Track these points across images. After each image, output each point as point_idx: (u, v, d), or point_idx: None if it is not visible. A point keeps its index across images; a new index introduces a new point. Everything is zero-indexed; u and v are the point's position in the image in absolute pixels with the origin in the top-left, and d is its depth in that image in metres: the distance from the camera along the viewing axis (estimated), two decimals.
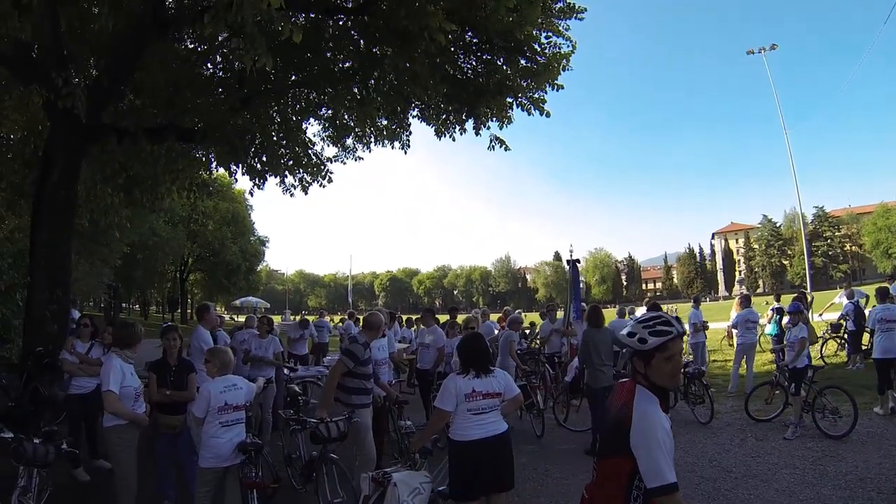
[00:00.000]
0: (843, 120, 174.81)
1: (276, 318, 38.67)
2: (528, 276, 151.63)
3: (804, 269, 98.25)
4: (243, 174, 12.60)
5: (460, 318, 12.62)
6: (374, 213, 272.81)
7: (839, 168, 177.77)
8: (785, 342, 8.90)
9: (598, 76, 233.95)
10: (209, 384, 4.97)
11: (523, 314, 25.30)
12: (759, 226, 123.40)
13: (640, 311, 15.54)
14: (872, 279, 73.51)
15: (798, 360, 8.26)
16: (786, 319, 12.46)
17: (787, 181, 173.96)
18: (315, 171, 12.53)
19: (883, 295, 9.68)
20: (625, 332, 2.49)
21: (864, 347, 12.70)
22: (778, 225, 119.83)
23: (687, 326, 13.95)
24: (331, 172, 12.53)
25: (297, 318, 15.36)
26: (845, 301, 14.63)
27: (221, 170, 13.05)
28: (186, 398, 5.72)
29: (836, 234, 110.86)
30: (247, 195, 49.85)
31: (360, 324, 10.00)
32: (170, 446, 5.81)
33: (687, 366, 9.78)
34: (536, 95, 10.30)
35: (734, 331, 12.63)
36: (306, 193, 12.66)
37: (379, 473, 4.35)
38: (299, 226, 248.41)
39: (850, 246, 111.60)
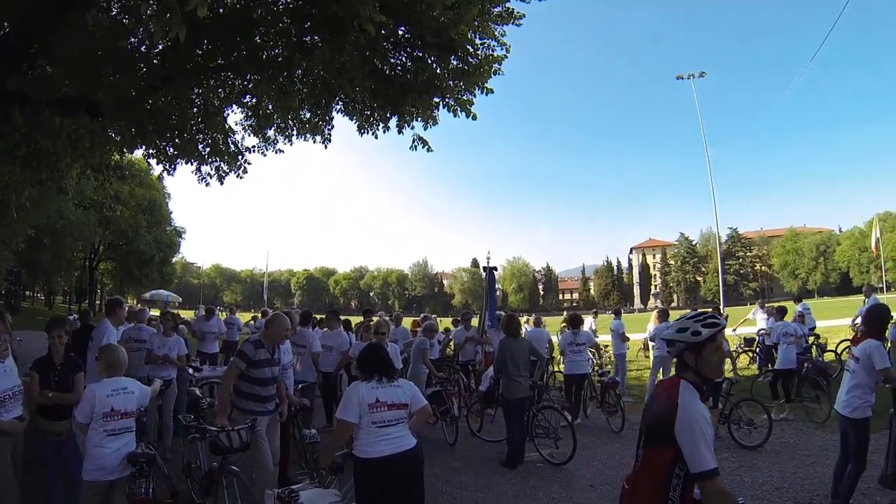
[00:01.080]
0: (758, 148, 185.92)
1: (189, 314, 37.29)
2: (444, 282, 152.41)
3: (717, 286, 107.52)
4: (148, 157, 11.82)
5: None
6: (293, 210, 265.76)
7: (753, 193, 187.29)
8: None
9: (526, 88, 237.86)
10: (94, 386, 4.49)
11: (438, 319, 25.13)
12: (676, 243, 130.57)
13: (531, 321, 15.37)
14: (780, 297, 78.99)
15: None
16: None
17: (704, 202, 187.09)
18: (231, 160, 11.85)
19: (782, 313, 11.63)
20: (671, 330, 2.78)
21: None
22: (694, 243, 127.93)
23: (609, 338, 14.20)
24: (248, 163, 11.95)
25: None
26: (759, 316, 15.26)
27: (139, 153, 12.21)
28: (71, 401, 5.05)
29: (748, 254, 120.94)
30: (164, 183, 47.91)
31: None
32: (55, 454, 5.14)
33: (603, 375, 10.50)
34: (465, 97, 10.11)
35: (651, 343, 12.85)
36: (222, 183, 11.91)
37: (285, 492, 3.96)
38: (218, 218, 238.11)
39: (760, 266, 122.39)
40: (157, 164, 11.65)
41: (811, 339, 13.51)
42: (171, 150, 11.34)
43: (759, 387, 11.72)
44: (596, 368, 12.26)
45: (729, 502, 2.48)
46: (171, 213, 54.05)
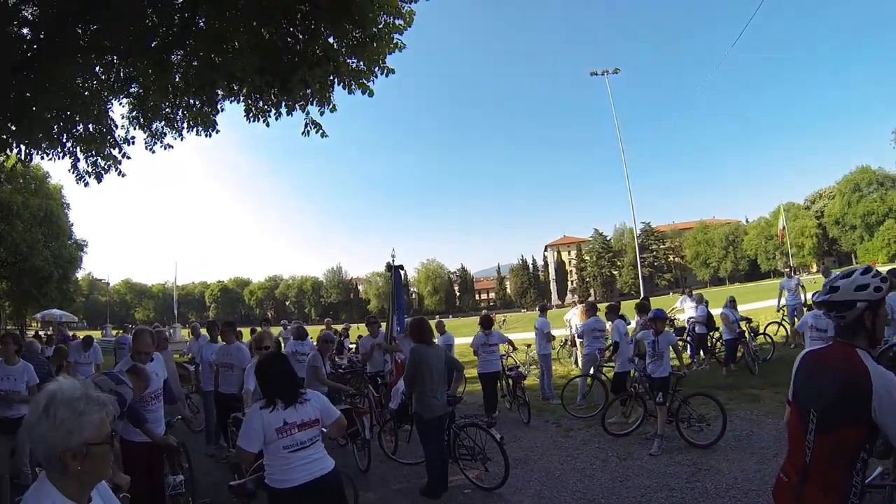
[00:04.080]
0: (668, 144, 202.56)
1: (97, 334, 34.09)
2: (360, 287, 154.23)
3: (633, 279, 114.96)
4: None
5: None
6: (203, 221, 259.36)
7: (664, 188, 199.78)
8: (647, 350, 8.30)
9: (436, 86, 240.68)
10: None
11: (354, 326, 23.74)
12: (591, 239, 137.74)
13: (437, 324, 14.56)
14: (693, 286, 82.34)
15: (661, 368, 7.94)
16: (631, 324, 12.43)
17: (617, 198, 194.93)
18: (107, 155, 10.89)
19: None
20: (852, 287, 2.44)
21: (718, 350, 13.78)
22: (608, 238, 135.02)
23: (533, 335, 13.38)
24: (127, 157, 10.91)
25: (117, 332, 12.29)
26: (688, 304, 14.94)
27: (36, 159, 10.89)
28: None
29: (661, 246, 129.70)
30: (64, 192, 45.39)
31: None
32: None
33: (511, 370, 10.91)
34: (361, 67, 9.30)
35: (579, 340, 12.20)
36: (99, 181, 10.94)
37: None
38: (127, 232, 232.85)
39: (674, 257, 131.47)
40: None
41: (743, 324, 13.24)
42: (19, 137, 10.20)
43: (699, 376, 11.25)
44: (507, 365, 12.06)
45: None
46: (71, 224, 50.50)
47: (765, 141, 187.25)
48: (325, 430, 3.97)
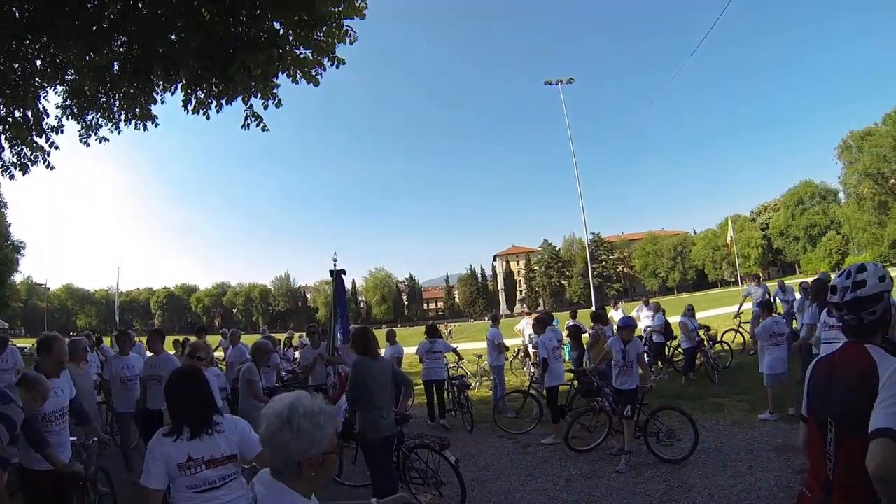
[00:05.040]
0: (619, 155, 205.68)
1: (30, 342, 32.07)
2: (308, 295, 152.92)
3: (581, 289, 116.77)
4: None
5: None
6: (149, 225, 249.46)
7: (612, 199, 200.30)
8: (616, 360, 7.85)
9: (391, 98, 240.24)
10: None
11: (297, 335, 22.84)
12: (540, 249, 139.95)
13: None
14: (642, 296, 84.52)
15: (630, 380, 7.53)
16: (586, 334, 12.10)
17: (565, 208, 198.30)
18: (34, 145, 10.12)
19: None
20: (876, 279, 2.32)
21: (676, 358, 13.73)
22: (557, 248, 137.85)
23: (484, 345, 12.87)
24: (55, 147, 10.20)
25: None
26: (644, 314, 14.68)
27: None
28: None
29: (611, 257, 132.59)
30: (1, 190, 43.95)
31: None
32: None
33: (455, 379, 11.47)
34: (307, 56, 8.71)
35: (533, 350, 11.97)
36: (24, 173, 10.31)
37: None
38: (69, 235, 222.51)
39: (623, 267, 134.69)
40: None
41: (701, 332, 13.01)
42: None
43: (659, 386, 10.89)
44: (454, 375, 12.31)
45: None
46: (8, 225, 49.25)
47: (712, 154, 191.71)
48: (246, 465, 3.34)
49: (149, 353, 8.32)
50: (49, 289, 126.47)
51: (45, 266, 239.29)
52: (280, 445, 1.91)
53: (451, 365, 13.17)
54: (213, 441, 3.19)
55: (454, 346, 13.58)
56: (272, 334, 13.61)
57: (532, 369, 12.89)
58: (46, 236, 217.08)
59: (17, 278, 59.42)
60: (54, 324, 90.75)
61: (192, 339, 10.35)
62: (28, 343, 28.71)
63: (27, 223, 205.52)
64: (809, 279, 12.83)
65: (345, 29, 8.32)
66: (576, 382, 9.97)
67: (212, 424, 3.23)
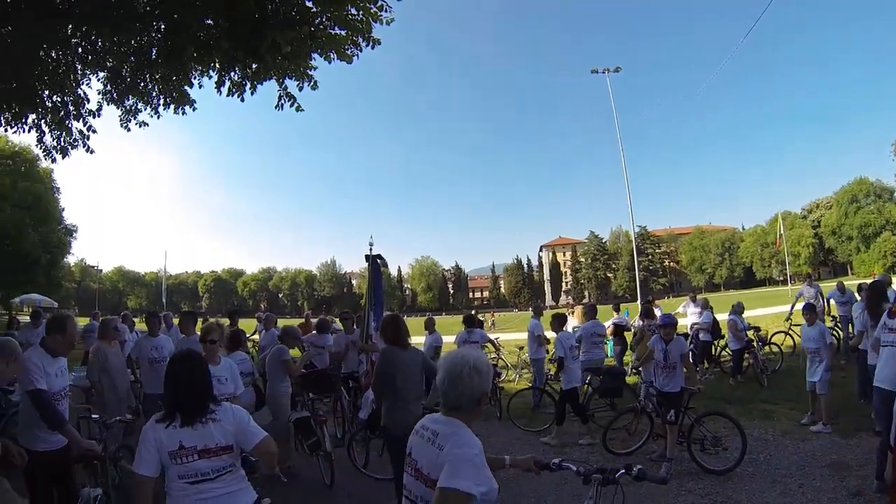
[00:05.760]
0: (667, 148, 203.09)
1: (83, 320, 32.93)
2: (353, 281, 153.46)
3: (627, 282, 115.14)
4: None
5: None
6: (195, 209, 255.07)
7: (660, 192, 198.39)
8: (658, 361, 7.38)
9: (433, 85, 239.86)
10: None
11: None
12: (587, 241, 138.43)
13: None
14: (688, 292, 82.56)
15: (673, 382, 7.09)
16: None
17: (613, 200, 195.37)
18: (71, 130, 10.29)
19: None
20: None
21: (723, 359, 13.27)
22: (604, 241, 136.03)
23: (525, 336, 12.47)
24: (93, 131, 10.37)
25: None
26: (691, 310, 14.13)
27: (23, 140, 10.38)
28: None
29: (657, 251, 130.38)
30: (54, 176, 45.03)
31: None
32: None
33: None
34: (340, 35, 8.53)
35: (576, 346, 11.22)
36: (65, 157, 10.47)
37: None
38: (121, 219, 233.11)
39: (669, 262, 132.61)
40: None
41: (751, 332, 12.43)
42: None
43: (704, 387, 10.34)
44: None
45: None
46: (62, 209, 50.38)
47: (763, 149, 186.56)
48: (253, 458, 3.21)
49: (180, 336, 8.26)
50: (101, 270, 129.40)
51: (98, 248, 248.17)
52: (469, 385, 2.40)
53: (492, 356, 12.85)
54: (207, 430, 3.02)
55: (493, 336, 13.27)
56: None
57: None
58: (99, 220, 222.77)
59: (71, 260, 60.81)
60: (105, 304, 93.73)
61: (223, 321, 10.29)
62: (80, 321, 29.53)
63: (79, 208, 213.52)
64: (860, 281, 12.18)
65: (381, 4, 8.11)
66: (588, 382, 9.48)
67: (206, 412, 3.06)
